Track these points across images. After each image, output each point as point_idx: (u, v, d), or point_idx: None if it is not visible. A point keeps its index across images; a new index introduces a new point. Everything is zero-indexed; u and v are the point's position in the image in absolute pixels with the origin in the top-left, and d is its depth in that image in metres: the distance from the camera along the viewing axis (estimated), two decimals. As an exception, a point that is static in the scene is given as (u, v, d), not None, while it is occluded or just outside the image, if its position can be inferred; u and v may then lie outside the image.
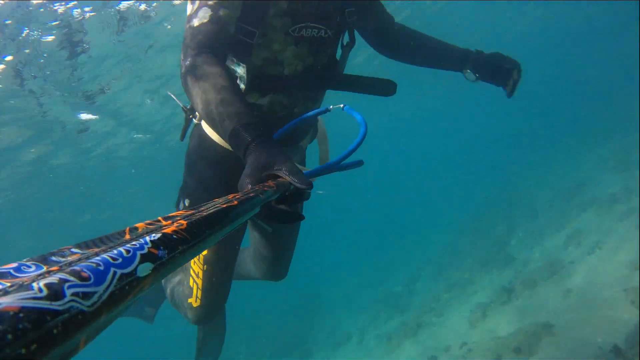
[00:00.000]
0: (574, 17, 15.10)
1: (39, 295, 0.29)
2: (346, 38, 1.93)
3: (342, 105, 1.51)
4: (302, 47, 1.73)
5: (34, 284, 0.30)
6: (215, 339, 2.58)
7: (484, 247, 8.81)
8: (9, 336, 0.26)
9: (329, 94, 1.98)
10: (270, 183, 0.96)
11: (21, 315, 0.27)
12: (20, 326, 0.26)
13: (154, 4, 5.59)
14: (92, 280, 0.34)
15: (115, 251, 0.39)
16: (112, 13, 5.46)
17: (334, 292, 13.25)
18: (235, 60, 1.75)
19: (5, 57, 5.45)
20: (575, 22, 15.78)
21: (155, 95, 8.18)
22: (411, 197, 23.87)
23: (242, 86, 1.75)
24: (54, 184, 10.51)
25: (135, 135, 9.92)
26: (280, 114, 1.80)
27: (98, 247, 0.42)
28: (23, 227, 12.33)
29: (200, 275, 2.04)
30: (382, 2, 2.04)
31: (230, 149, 1.89)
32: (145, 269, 0.39)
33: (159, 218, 0.53)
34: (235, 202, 0.67)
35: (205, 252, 2.01)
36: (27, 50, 5.44)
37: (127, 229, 0.48)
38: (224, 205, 0.63)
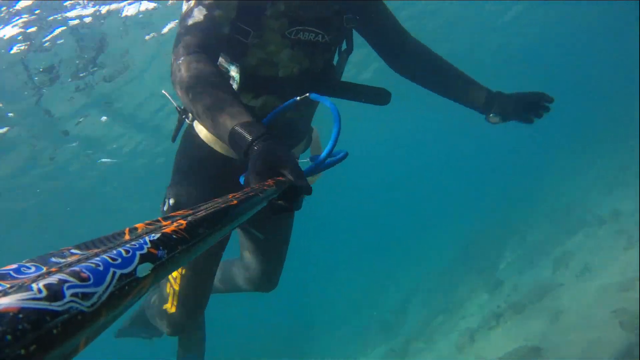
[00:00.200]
0: (573, 22, 15.10)
1: (39, 296, 0.29)
2: (344, 44, 1.89)
3: (307, 95, 1.52)
4: (298, 50, 1.71)
5: (34, 285, 0.30)
6: (194, 357, 2.48)
7: (473, 272, 8.88)
8: (9, 337, 0.26)
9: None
10: (270, 182, 0.96)
11: (21, 316, 0.27)
12: (20, 327, 0.26)
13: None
14: (91, 280, 0.34)
15: (114, 251, 0.39)
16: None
17: (322, 316, 13.08)
18: (228, 59, 1.73)
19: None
20: (573, 27, 15.78)
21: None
22: (402, 220, 23.71)
23: (235, 86, 1.72)
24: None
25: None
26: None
27: (98, 247, 0.42)
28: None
29: (178, 280, 1.97)
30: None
31: (221, 151, 1.87)
32: (144, 269, 0.39)
33: (159, 218, 0.53)
34: (235, 202, 0.67)
35: None
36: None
37: (127, 229, 0.48)
38: (223, 205, 0.63)
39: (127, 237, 0.46)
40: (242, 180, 1.27)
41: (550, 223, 8.51)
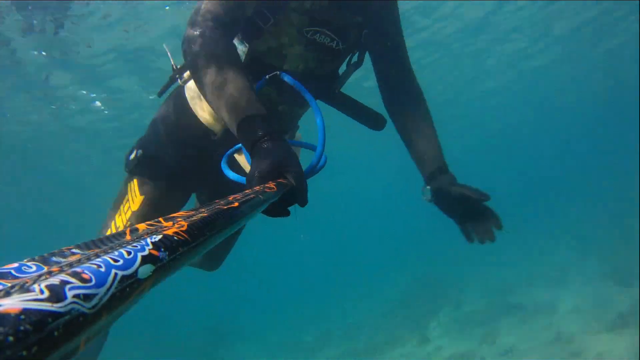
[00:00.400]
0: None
1: (41, 297, 0.29)
2: (355, 57, 1.89)
3: (277, 73, 1.55)
4: (311, 50, 1.71)
5: (35, 286, 0.30)
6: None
7: (403, 322, 8.94)
8: (10, 338, 0.26)
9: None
10: (271, 184, 0.96)
11: (22, 317, 0.27)
12: (22, 328, 0.26)
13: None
14: (93, 282, 0.33)
15: (116, 252, 0.39)
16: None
17: (245, 326, 12.97)
18: (239, 38, 1.73)
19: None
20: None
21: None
22: (346, 255, 23.56)
23: None
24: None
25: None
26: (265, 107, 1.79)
27: (99, 247, 0.42)
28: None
29: (129, 214, 1.91)
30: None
31: (205, 123, 1.84)
32: (146, 271, 0.39)
33: (160, 219, 0.53)
34: (236, 204, 0.67)
35: (140, 203, 1.89)
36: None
37: (128, 229, 0.48)
38: (225, 207, 0.63)
39: (128, 237, 0.46)
40: (223, 167, 1.26)
41: (491, 297, 8.56)
